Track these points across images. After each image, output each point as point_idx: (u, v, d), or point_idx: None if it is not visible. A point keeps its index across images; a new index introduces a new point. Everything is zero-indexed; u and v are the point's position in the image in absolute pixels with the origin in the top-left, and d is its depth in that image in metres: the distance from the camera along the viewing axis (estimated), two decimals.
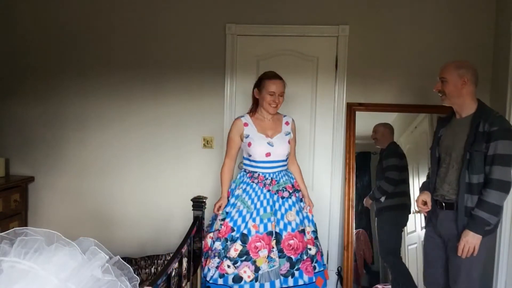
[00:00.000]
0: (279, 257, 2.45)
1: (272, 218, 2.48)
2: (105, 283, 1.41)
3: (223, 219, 2.53)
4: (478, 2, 3.14)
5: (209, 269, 2.46)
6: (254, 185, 2.55)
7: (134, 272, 1.58)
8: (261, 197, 2.52)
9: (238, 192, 2.58)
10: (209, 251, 2.53)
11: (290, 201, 2.56)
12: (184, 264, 2.36)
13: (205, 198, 2.75)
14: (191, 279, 2.46)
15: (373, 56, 3.27)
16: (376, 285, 3.24)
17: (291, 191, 2.59)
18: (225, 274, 2.41)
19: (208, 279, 2.44)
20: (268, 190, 2.54)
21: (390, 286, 3.17)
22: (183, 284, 2.29)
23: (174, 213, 3.46)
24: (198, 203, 2.69)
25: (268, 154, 2.55)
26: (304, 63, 3.33)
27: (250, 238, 2.43)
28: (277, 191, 2.56)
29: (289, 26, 3.28)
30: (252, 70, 3.35)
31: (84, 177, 3.58)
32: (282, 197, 2.55)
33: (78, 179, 3.59)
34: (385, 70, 3.27)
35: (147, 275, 2.89)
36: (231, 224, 2.48)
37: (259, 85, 2.59)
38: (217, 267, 2.44)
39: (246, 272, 2.39)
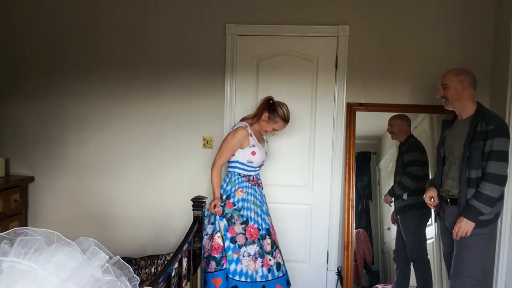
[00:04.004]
0: None
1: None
2: (105, 283, 1.41)
3: (243, 223, 2.77)
4: (478, 3, 3.14)
5: (257, 271, 2.75)
6: (254, 186, 2.88)
7: (134, 272, 1.58)
8: (261, 195, 2.94)
9: (243, 196, 2.82)
10: (226, 252, 2.75)
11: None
12: (184, 264, 2.36)
13: (205, 198, 2.76)
14: (191, 279, 2.46)
15: (373, 56, 3.27)
16: (376, 285, 3.23)
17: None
18: (271, 267, 2.79)
19: (258, 279, 2.75)
20: (261, 188, 2.97)
21: (390, 286, 3.17)
22: (183, 284, 2.29)
23: (174, 213, 3.46)
24: (198, 203, 2.70)
25: (263, 161, 2.93)
26: (304, 63, 3.33)
27: (271, 230, 2.87)
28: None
29: (289, 26, 3.28)
30: (252, 70, 3.36)
31: (84, 177, 3.59)
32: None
33: (78, 179, 3.59)
34: (385, 70, 3.27)
35: (147, 275, 2.89)
36: (256, 226, 2.81)
37: (273, 114, 2.82)
38: (262, 266, 2.77)
39: (280, 258, 2.86)
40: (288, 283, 2.89)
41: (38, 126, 3.59)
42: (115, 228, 3.56)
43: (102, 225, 3.55)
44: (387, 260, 3.30)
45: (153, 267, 2.97)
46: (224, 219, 2.75)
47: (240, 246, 2.74)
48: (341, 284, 3.33)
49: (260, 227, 2.80)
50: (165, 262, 2.84)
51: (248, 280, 2.72)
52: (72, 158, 3.59)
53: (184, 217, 3.27)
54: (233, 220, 2.76)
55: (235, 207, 2.78)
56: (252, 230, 2.77)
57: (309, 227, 3.41)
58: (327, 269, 3.41)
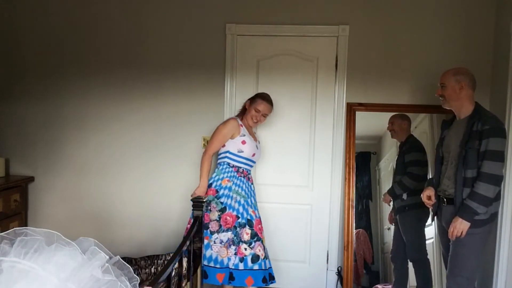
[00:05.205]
0: None
1: (257, 206, 3.00)
2: (105, 283, 1.41)
3: (220, 210, 2.82)
4: (478, 3, 3.14)
5: (229, 258, 2.77)
6: (242, 178, 2.93)
7: (134, 272, 1.58)
8: (249, 189, 2.96)
9: (228, 184, 2.87)
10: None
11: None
12: (184, 264, 2.36)
13: (205, 198, 2.76)
14: (191, 279, 2.46)
15: (373, 56, 3.27)
16: (376, 285, 3.24)
17: None
18: (245, 257, 2.76)
19: (231, 266, 2.76)
20: (251, 183, 3.01)
21: (390, 286, 3.17)
22: (183, 284, 2.29)
23: (174, 213, 3.46)
24: (198, 203, 2.69)
25: (253, 155, 2.97)
26: (304, 63, 3.33)
27: (253, 221, 2.85)
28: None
29: (289, 26, 3.28)
30: (252, 70, 3.36)
31: (84, 177, 3.59)
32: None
33: (78, 179, 3.59)
34: (385, 70, 3.27)
35: (147, 275, 2.89)
36: (235, 213, 2.82)
37: (253, 99, 3.00)
38: (235, 254, 2.77)
39: (260, 250, 2.80)
40: (265, 280, 2.80)
41: (38, 126, 3.59)
42: (115, 228, 3.56)
43: (102, 225, 3.55)
44: (387, 260, 3.30)
45: (153, 267, 2.97)
46: None
47: (212, 233, 2.80)
48: (341, 284, 3.33)
49: (239, 215, 2.82)
50: (165, 262, 2.83)
51: (218, 266, 2.76)
52: (72, 158, 3.59)
53: (184, 217, 3.27)
54: (209, 207, 2.83)
55: (217, 194, 2.85)
56: (228, 217, 2.81)
57: (309, 227, 3.41)
58: (327, 269, 3.41)
